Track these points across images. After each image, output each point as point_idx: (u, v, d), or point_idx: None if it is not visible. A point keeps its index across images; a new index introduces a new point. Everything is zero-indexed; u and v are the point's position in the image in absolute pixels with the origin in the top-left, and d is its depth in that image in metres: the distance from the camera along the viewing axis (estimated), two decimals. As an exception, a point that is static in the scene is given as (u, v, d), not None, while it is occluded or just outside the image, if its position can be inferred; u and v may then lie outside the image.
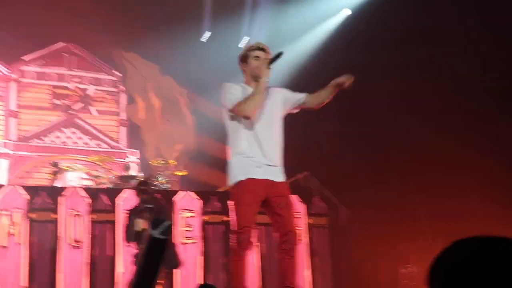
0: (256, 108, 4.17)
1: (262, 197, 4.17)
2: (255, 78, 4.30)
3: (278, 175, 4.27)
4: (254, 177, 4.14)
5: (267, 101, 4.34)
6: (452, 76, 9.97)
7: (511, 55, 8.97)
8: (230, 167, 4.26)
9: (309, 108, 4.54)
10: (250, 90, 4.29)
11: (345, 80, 4.29)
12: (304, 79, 12.27)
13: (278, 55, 4.21)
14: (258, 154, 4.17)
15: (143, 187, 7.04)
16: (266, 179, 4.18)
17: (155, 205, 6.91)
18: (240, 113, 4.19)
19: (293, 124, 4.81)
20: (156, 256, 2.73)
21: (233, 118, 4.27)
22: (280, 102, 4.41)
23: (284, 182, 4.34)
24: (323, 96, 4.47)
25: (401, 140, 10.78)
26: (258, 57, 4.30)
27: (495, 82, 9.48)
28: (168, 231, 2.63)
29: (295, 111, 4.62)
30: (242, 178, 4.15)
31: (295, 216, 4.46)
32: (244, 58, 4.38)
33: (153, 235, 2.60)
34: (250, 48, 4.36)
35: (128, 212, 7.29)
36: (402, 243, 9.93)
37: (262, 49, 4.32)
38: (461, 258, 1.35)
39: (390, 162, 10.98)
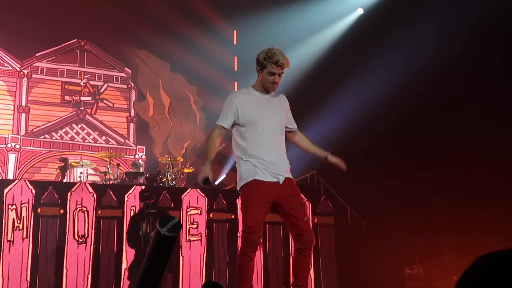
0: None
1: (271, 199, 4.14)
2: (265, 88, 4.24)
3: (285, 175, 4.24)
4: (261, 179, 4.14)
5: (274, 105, 4.31)
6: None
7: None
8: (239, 169, 4.26)
9: (288, 139, 4.48)
10: (255, 94, 4.27)
11: (340, 165, 4.42)
12: (314, 80, 12.28)
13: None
14: (265, 157, 4.16)
15: (146, 194, 7.46)
16: (274, 182, 4.17)
17: (158, 210, 7.33)
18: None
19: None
20: (163, 254, 2.64)
21: (237, 123, 4.23)
22: (284, 112, 4.35)
23: (291, 181, 4.29)
24: (311, 149, 4.49)
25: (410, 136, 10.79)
26: (274, 73, 4.17)
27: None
28: (177, 228, 2.55)
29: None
30: (250, 179, 4.15)
31: (308, 216, 4.40)
32: (261, 64, 4.20)
33: (161, 233, 2.52)
34: (270, 59, 4.16)
35: (131, 218, 7.84)
36: (408, 244, 9.88)
37: (281, 66, 4.16)
38: (485, 274, 1.33)
39: (400, 162, 10.95)
